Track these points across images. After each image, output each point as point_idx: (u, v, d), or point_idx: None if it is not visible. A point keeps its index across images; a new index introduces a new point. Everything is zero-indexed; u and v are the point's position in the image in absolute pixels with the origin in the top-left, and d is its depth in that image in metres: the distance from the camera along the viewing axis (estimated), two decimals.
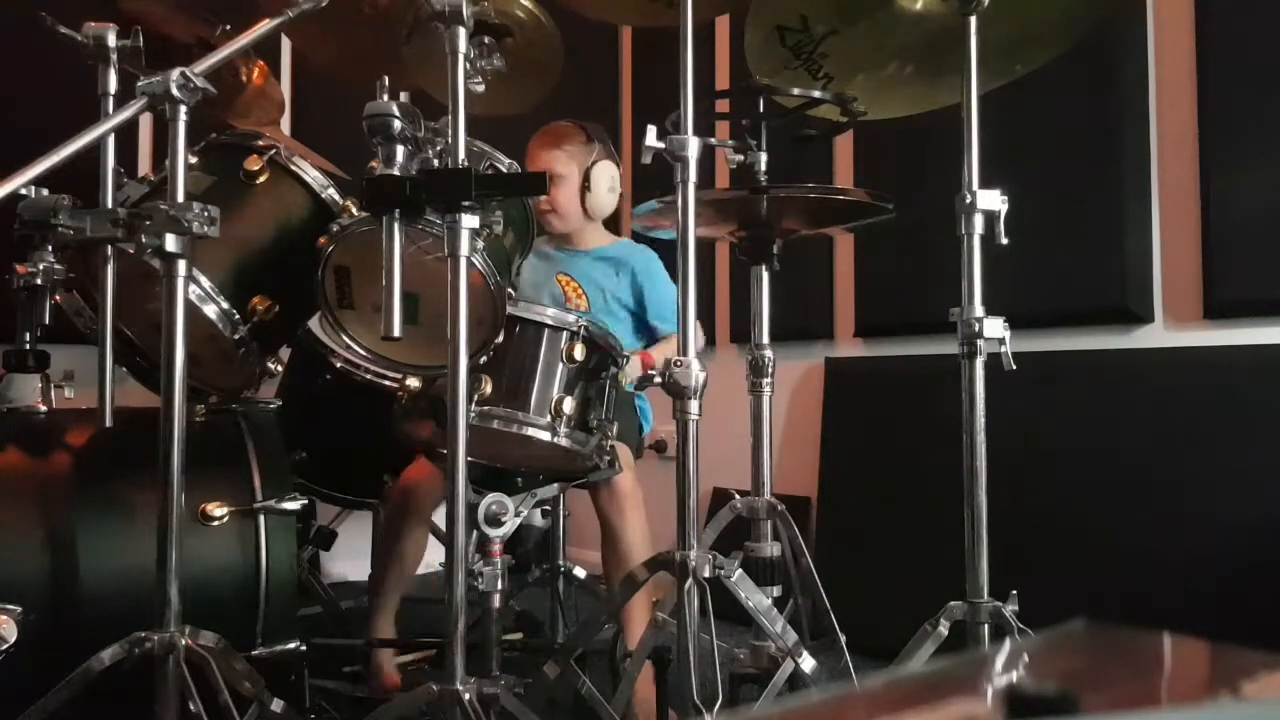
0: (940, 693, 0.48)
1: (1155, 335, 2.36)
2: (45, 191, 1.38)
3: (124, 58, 1.55)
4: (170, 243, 1.30)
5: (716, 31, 3.28)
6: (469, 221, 1.32)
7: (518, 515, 1.53)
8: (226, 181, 1.67)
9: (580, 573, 2.61)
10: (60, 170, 1.26)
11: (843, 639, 1.69)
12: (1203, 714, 0.42)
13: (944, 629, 1.52)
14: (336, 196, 1.74)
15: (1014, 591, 1.51)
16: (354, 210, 1.68)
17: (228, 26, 1.79)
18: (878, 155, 2.86)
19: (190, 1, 1.84)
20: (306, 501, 1.71)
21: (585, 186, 2.35)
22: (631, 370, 2.13)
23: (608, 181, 2.37)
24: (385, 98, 1.38)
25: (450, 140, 1.36)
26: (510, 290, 1.64)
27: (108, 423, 1.46)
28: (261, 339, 1.65)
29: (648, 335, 2.43)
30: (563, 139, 2.35)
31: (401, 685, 2.16)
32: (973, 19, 1.55)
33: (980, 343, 1.52)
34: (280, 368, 1.76)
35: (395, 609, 2.27)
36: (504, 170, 1.62)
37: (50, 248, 1.57)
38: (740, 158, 1.75)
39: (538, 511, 2.96)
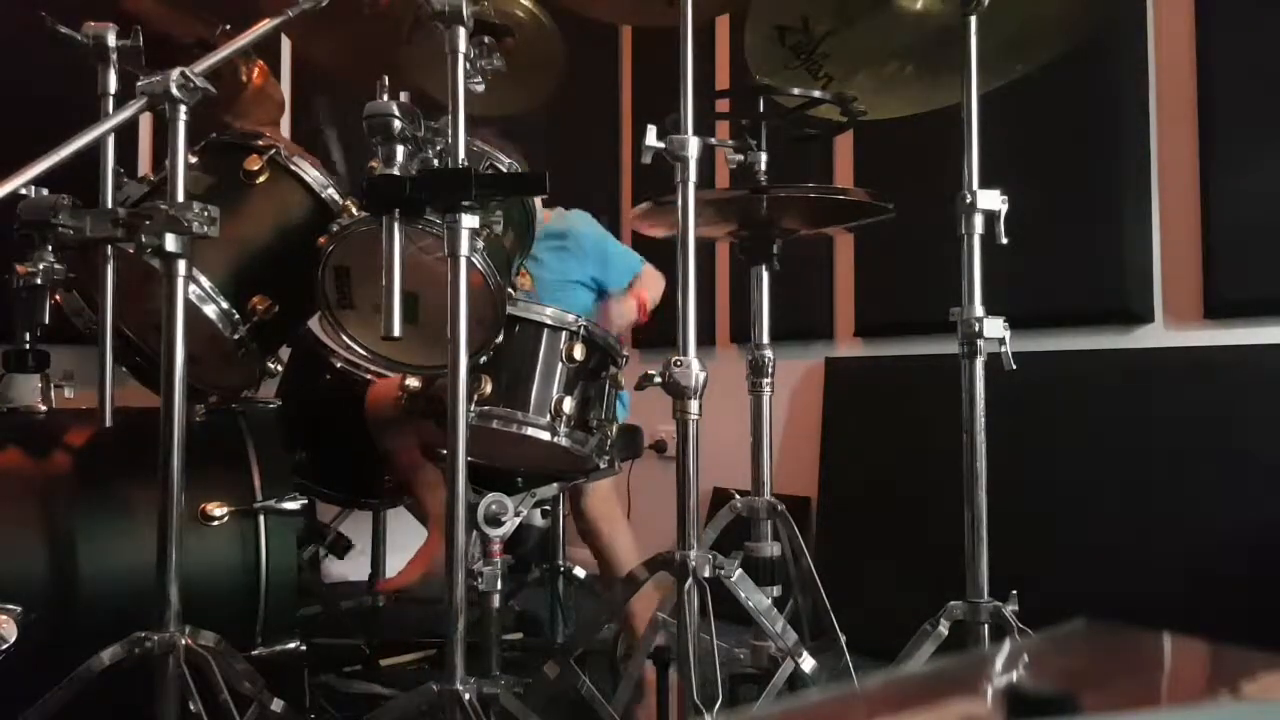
0: (940, 693, 0.48)
1: (1155, 335, 2.37)
2: (45, 191, 1.38)
3: (124, 58, 1.55)
4: (170, 243, 1.30)
5: (716, 31, 3.28)
6: (469, 221, 1.32)
7: (518, 515, 1.53)
8: (226, 181, 1.67)
9: (580, 573, 2.61)
10: (60, 170, 1.26)
11: (843, 639, 1.69)
12: (1203, 714, 0.42)
13: (944, 629, 1.53)
14: (336, 196, 1.74)
15: (1014, 591, 1.51)
16: (354, 210, 1.68)
17: (228, 26, 1.79)
18: (878, 155, 2.86)
19: (190, 1, 1.84)
20: (306, 501, 1.71)
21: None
22: (627, 311, 2.14)
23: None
24: (385, 98, 1.38)
25: (450, 140, 1.36)
26: (510, 290, 1.64)
27: (108, 423, 1.46)
28: (261, 339, 1.65)
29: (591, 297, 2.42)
30: None
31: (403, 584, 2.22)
32: (973, 19, 1.55)
33: (980, 343, 1.52)
34: (280, 368, 1.76)
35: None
36: (504, 170, 1.62)
37: (50, 248, 1.56)
38: (740, 158, 1.75)
39: (538, 511, 2.96)
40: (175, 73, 1.30)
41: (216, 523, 1.60)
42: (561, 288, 2.37)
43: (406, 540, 2.55)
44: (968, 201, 1.53)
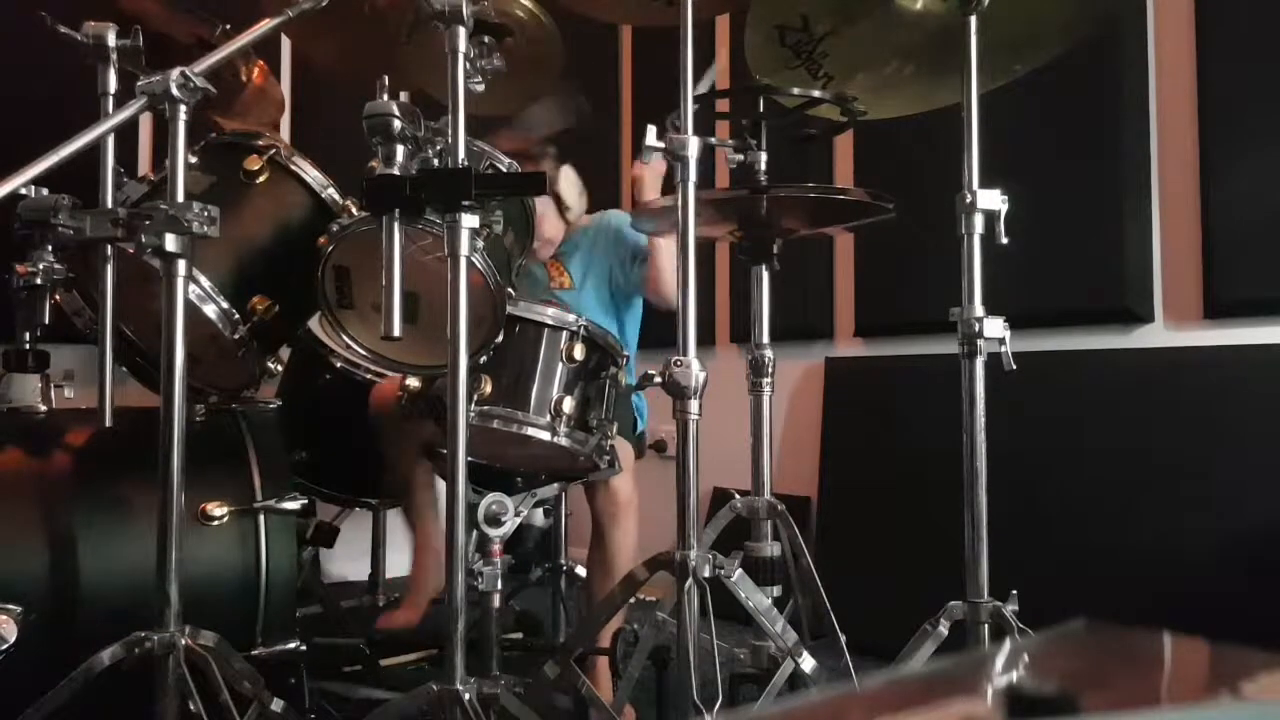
0: (940, 693, 0.48)
1: (1155, 335, 2.37)
2: (45, 191, 1.38)
3: (124, 58, 1.55)
4: (170, 242, 1.30)
5: (716, 31, 3.28)
6: (469, 221, 1.32)
7: (518, 515, 1.53)
8: (226, 181, 1.67)
9: (581, 572, 2.61)
10: (60, 170, 1.26)
11: (843, 639, 1.69)
12: (1203, 714, 0.42)
13: (944, 629, 1.52)
14: (336, 196, 1.74)
15: (1014, 591, 1.51)
16: (354, 210, 1.68)
17: (228, 26, 1.79)
18: (878, 155, 2.86)
19: (190, 1, 1.84)
20: (306, 501, 1.71)
21: (561, 206, 2.34)
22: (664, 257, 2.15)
23: (575, 189, 2.35)
24: (385, 98, 1.37)
25: (450, 140, 1.36)
26: (510, 290, 1.64)
27: (108, 423, 1.46)
28: (261, 339, 1.65)
29: (624, 297, 2.41)
30: None
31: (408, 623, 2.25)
32: (973, 19, 1.55)
33: (980, 343, 1.52)
34: (280, 368, 1.76)
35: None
36: (504, 170, 1.62)
37: (50, 248, 1.57)
38: (740, 158, 1.75)
39: (538, 511, 2.96)
40: (175, 73, 1.30)
41: (216, 523, 1.60)
42: (596, 282, 2.38)
43: (407, 540, 2.55)
44: (968, 201, 1.52)
